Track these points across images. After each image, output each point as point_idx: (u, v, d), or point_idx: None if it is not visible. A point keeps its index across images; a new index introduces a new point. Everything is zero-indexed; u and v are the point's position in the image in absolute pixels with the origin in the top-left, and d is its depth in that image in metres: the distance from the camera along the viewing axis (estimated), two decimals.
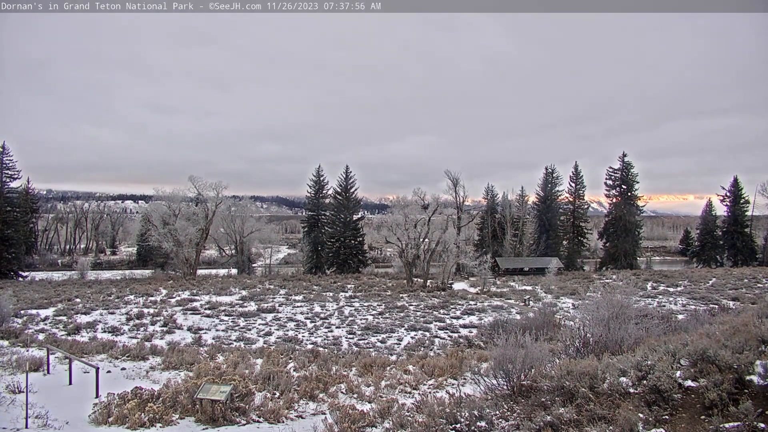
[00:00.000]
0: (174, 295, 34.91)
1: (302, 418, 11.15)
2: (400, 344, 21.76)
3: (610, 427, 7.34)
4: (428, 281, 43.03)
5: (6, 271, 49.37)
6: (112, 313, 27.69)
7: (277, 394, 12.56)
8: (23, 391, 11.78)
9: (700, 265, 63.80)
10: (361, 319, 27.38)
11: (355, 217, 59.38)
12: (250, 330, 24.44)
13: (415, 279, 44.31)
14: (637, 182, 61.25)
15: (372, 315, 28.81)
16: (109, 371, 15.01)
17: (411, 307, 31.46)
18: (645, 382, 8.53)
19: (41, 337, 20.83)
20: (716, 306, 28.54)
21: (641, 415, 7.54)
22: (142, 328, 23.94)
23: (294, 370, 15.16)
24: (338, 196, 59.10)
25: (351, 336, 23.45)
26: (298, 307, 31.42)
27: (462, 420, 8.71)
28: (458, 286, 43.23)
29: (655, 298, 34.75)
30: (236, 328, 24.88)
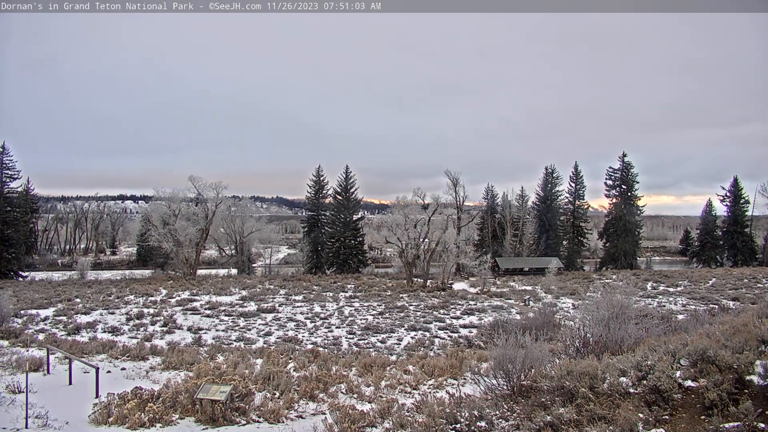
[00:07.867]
0: (174, 295, 34.92)
1: (302, 418, 11.15)
2: (400, 344, 21.77)
3: (610, 427, 7.33)
4: (428, 281, 43.04)
5: (6, 271, 49.36)
6: (112, 313, 27.70)
7: (277, 394, 12.56)
8: (23, 391, 11.78)
9: (700, 265, 63.78)
10: (361, 319, 27.38)
11: (355, 217, 59.42)
12: (250, 330, 24.44)
13: (415, 279, 44.30)
14: (637, 182, 61.40)
15: (372, 315, 28.82)
16: (109, 371, 15.01)
17: (411, 307, 31.46)
18: (645, 382, 8.53)
19: (41, 337, 20.84)
20: (716, 306, 28.56)
21: (641, 415, 7.54)
22: (142, 328, 23.95)
23: (294, 370, 15.15)
24: (338, 196, 59.16)
25: (351, 336, 23.45)
26: (298, 307, 31.42)
27: (462, 420, 8.72)
28: (458, 286, 43.23)
29: (655, 298, 34.76)
30: (236, 328, 24.88)
